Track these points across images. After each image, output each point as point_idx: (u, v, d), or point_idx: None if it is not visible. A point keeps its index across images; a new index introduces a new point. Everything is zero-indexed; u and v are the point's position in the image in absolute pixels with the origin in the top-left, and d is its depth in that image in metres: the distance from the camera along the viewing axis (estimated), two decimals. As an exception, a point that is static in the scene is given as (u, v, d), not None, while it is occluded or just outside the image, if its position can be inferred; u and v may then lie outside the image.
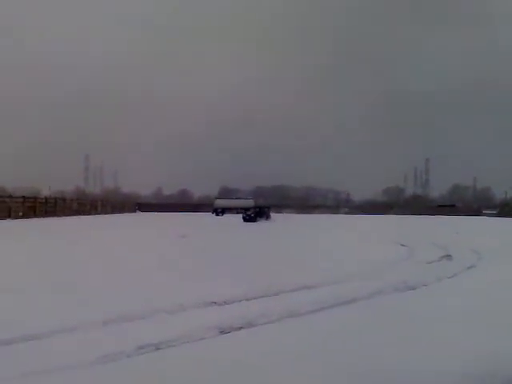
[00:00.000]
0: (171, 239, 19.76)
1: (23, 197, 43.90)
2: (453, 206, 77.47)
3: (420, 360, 4.73)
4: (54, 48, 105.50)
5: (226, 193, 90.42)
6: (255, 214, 43.87)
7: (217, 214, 62.25)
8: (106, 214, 60.18)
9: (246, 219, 41.49)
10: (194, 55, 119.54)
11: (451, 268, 11.58)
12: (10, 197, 42.46)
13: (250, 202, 65.27)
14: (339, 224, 39.59)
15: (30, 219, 38.95)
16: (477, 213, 68.13)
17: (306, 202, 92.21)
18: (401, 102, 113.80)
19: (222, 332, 5.73)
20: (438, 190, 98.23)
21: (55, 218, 42.81)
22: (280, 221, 43.37)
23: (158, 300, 7.29)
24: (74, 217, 47.80)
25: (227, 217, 58.63)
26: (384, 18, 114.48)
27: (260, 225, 36.47)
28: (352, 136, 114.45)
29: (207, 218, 51.57)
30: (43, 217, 43.05)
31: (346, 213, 74.13)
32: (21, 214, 40.04)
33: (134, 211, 71.74)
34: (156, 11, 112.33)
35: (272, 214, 49.09)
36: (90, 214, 55.76)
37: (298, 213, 72.06)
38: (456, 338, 5.56)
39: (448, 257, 14.01)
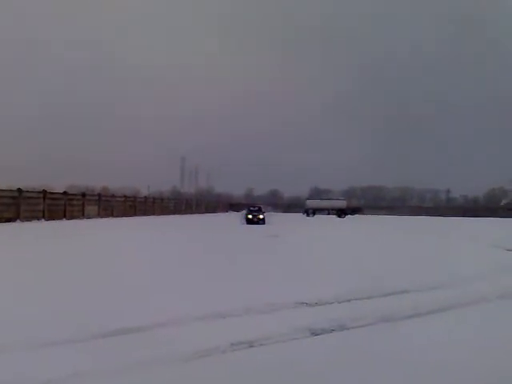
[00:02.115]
0: (262, 238, 19.95)
1: (125, 196, 46.55)
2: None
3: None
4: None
5: (316, 193, 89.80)
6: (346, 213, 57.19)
7: (308, 215, 61.96)
8: (200, 213, 62.12)
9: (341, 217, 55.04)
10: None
11: None
12: (113, 196, 45.15)
13: (342, 203, 64.18)
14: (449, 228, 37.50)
15: (131, 217, 41.23)
16: None
17: (401, 203, 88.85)
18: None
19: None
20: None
21: (157, 217, 44.90)
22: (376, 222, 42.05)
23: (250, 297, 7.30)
24: (171, 215, 49.82)
25: (318, 217, 58.20)
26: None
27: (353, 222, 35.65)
28: (453, 134, 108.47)
29: (297, 218, 51.39)
30: (142, 215, 45.35)
31: (444, 215, 69.70)
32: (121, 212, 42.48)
33: (227, 211, 73.38)
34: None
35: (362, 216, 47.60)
36: (185, 213, 57.79)
37: (391, 214, 69.43)
38: None
39: None
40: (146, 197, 53.80)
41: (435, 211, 73.47)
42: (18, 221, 28.04)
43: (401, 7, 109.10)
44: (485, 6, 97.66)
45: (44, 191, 32.08)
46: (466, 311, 7.07)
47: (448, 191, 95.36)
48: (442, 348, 5.18)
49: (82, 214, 35.83)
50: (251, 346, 5.01)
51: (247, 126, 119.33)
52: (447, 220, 51.87)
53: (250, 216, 34.17)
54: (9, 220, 27.34)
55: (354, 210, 65.05)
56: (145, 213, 46.90)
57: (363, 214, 66.51)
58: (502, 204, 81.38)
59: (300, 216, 58.33)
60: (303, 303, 7.10)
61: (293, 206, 79.16)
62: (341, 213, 60.83)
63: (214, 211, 69.20)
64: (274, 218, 38.43)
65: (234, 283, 8.88)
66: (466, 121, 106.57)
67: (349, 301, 7.39)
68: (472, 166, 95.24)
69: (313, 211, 63.21)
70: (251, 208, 36.62)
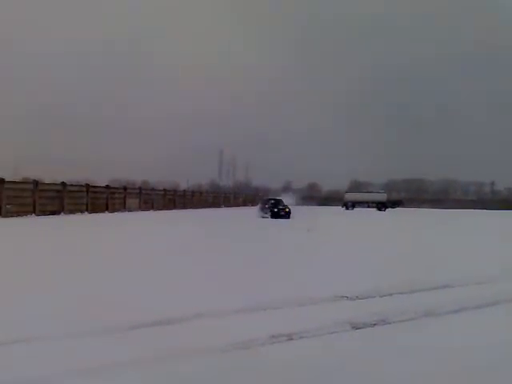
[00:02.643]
0: (297, 233, 19.67)
1: (164, 190, 47.27)
2: None
3: None
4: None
5: (356, 186, 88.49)
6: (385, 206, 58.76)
7: (347, 208, 61.17)
8: (237, 206, 62.45)
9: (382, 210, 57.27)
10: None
11: None
12: (153, 189, 45.95)
13: (382, 196, 63.02)
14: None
15: (171, 210, 41.87)
16: None
17: (445, 196, 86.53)
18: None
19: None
20: None
21: (197, 210, 45.42)
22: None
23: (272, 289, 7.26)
24: (210, 208, 50.28)
25: (357, 210, 57.43)
26: None
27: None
28: (497, 124, 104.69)
29: (335, 211, 50.78)
30: (181, 208, 45.97)
31: (489, 208, 67.13)
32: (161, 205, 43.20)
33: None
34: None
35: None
36: (223, 206, 58.26)
37: (435, 207, 67.69)
38: None
39: None
40: (184, 190, 54.46)
41: (479, 204, 71.10)
42: (62, 213, 28.91)
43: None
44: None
45: (87, 185, 32.93)
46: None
47: (492, 183, 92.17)
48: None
49: (123, 207, 36.63)
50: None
51: (283, 120, 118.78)
52: (494, 213, 50.08)
53: (275, 209, 31.51)
54: (53, 213, 28.20)
55: (394, 203, 63.73)
56: (184, 206, 47.49)
57: (404, 207, 65.09)
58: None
59: (338, 209, 57.68)
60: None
61: (331, 198, 78.31)
62: (381, 206, 59.77)
63: (252, 204, 69.46)
64: (300, 212, 35.52)
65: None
66: (505, 110, 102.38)
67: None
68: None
69: (352, 204, 62.29)
70: (271, 200, 34.32)
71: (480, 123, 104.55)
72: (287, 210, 31.40)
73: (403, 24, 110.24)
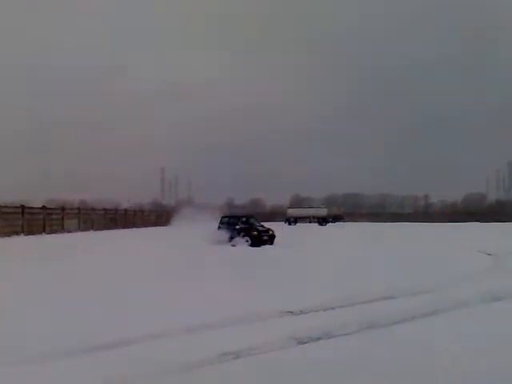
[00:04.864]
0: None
1: (104, 209, 46.16)
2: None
3: None
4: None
5: (297, 201, 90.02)
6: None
7: (289, 224, 62.02)
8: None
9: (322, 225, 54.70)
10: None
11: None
12: (93, 209, 44.74)
13: (323, 211, 64.48)
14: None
15: (112, 230, 40.84)
16: None
17: (381, 210, 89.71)
18: (481, 101, 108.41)
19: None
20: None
21: (139, 229, 44.50)
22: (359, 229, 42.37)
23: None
24: (153, 227, 49.46)
25: (299, 225, 58.33)
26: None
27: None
28: (429, 139, 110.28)
29: (276, 227, 51.27)
30: (123, 228, 44.92)
31: (424, 221, 70.34)
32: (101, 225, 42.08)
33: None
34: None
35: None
36: (167, 224, 57.36)
37: (371, 221, 70.03)
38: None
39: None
40: (126, 209, 53.39)
41: (415, 217, 74.44)
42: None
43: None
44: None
45: (22, 206, 31.63)
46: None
47: (426, 197, 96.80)
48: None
49: (61, 228, 35.36)
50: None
51: (225, 137, 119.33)
52: (432, 226, 52.47)
53: (254, 233, 21.60)
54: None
55: (335, 218, 65.31)
56: (125, 225, 46.50)
57: (345, 221, 66.83)
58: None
59: (281, 225, 58.28)
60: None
61: (276, 214, 79.11)
62: (322, 221, 61.16)
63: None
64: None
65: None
66: (442, 128, 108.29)
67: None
68: (450, 171, 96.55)
69: (294, 220, 63.31)
70: (240, 218, 23.55)
71: (412, 139, 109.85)
72: (270, 232, 22.08)
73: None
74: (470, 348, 5.43)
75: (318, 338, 5.79)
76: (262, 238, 21.36)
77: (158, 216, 58.94)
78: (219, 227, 23.03)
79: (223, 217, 24.31)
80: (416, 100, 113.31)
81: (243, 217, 24.37)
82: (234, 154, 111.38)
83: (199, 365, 4.79)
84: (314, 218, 63.36)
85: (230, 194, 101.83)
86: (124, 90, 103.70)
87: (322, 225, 59.26)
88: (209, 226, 22.58)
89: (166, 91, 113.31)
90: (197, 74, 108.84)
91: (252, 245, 20.79)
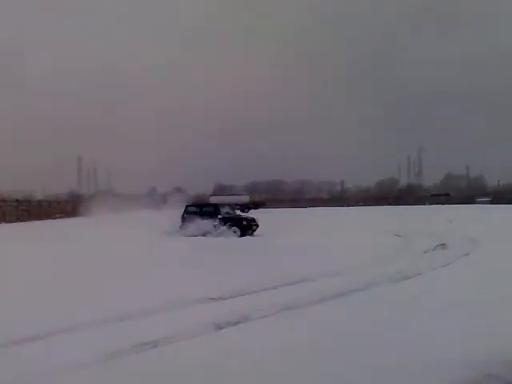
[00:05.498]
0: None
1: (17, 200, 43.66)
2: (447, 195, 77.75)
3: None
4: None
5: (220, 190, 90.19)
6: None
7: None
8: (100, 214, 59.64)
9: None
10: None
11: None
12: (4, 201, 42.17)
13: (244, 198, 65.30)
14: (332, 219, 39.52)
15: (28, 222, 38.74)
16: (470, 201, 68.33)
17: (301, 196, 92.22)
18: (394, 92, 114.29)
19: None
20: (431, 179, 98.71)
21: (56, 221, 42.52)
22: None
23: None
24: (73, 219, 47.50)
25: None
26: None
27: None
28: (345, 127, 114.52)
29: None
30: (37, 220, 42.74)
31: (339, 205, 73.55)
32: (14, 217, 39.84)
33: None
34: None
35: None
36: (85, 215, 55.27)
37: (293, 207, 71.94)
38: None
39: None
40: (40, 200, 50.83)
41: (332, 202, 77.69)
42: None
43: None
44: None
45: None
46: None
47: (342, 182, 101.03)
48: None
49: (-32, 221, 33.14)
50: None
51: (145, 125, 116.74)
52: (349, 210, 54.80)
53: (244, 223, 20.23)
54: None
55: (256, 205, 66.31)
56: (39, 217, 44.28)
57: (266, 207, 68.06)
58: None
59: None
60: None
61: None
62: (244, 207, 61.86)
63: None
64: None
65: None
66: (356, 118, 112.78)
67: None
68: (364, 158, 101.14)
69: (217, 207, 63.49)
70: (217, 207, 21.53)
71: (329, 128, 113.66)
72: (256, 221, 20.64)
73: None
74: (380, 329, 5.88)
75: (236, 323, 5.97)
76: (251, 227, 20.18)
77: (74, 206, 56.66)
78: (184, 217, 21.16)
79: (188, 206, 22.25)
80: (332, 93, 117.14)
81: (214, 205, 22.98)
82: (155, 142, 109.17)
83: (115, 356, 4.77)
84: (235, 205, 63.93)
85: (152, 182, 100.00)
86: (36, 73, 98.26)
87: (243, 211, 59.93)
88: (140, 215, 21.97)
89: (84, 76, 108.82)
90: (117, 61, 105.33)
91: (241, 235, 19.43)
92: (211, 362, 4.66)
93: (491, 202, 63.88)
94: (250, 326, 5.87)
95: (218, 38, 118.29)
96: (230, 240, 18.21)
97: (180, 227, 20.63)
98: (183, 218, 21.13)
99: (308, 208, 66.48)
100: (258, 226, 20.39)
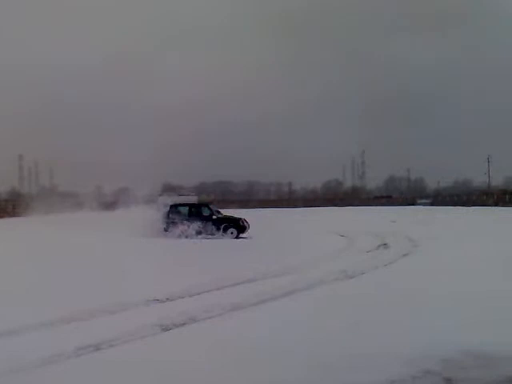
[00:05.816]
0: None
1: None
2: (389, 196, 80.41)
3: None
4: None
5: (169, 190, 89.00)
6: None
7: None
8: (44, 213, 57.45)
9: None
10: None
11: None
12: None
13: (192, 199, 64.75)
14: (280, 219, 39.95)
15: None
16: (411, 202, 70.88)
17: (249, 197, 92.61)
18: (339, 94, 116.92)
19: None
20: (374, 181, 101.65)
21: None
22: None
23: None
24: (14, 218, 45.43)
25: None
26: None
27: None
28: (293, 129, 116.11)
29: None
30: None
31: (287, 206, 74.41)
32: None
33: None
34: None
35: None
36: (25, 215, 53.09)
37: (241, 208, 72.07)
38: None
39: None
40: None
41: (280, 203, 78.53)
42: None
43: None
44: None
45: None
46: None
47: (290, 184, 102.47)
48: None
49: None
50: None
51: (91, 124, 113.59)
52: (295, 211, 55.45)
53: (241, 223, 19.38)
54: None
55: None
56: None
57: (214, 208, 67.81)
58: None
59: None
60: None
61: (148, 203, 77.28)
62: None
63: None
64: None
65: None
66: (300, 122, 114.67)
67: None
68: (311, 160, 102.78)
69: (165, 207, 62.57)
70: (201, 206, 21.14)
71: (276, 132, 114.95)
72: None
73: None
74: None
75: (183, 324, 5.93)
76: (246, 229, 19.38)
77: (15, 206, 54.32)
78: (170, 218, 19.76)
79: (174, 205, 20.72)
80: (277, 95, 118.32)
81: (204, 205, 21.62)
82: (102, 140, 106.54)
83: (54, 360, 4.62)
84: (184, 205, 63.31)
85: (97, 182, 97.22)
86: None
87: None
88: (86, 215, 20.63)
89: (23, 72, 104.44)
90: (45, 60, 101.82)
91: (237, 237, 18.89)
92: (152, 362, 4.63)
93: (431, 204, 66.48)
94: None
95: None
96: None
97: (165, 229, 19.39)
98: (168, 219, 19.73)
99: (256, 209, 66.78)
100: (249, 226, 19.64)
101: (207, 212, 20.10)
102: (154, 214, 19.96)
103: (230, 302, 6.91)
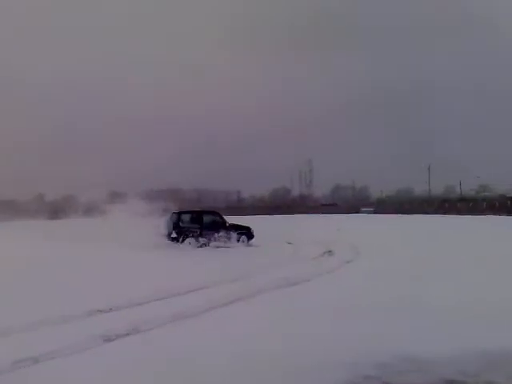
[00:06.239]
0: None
1: None
2: (335, 204, 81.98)
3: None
4: None
5: (115, 197, 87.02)
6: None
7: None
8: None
9: None
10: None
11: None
12: None
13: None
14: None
15: None
16: (356, 210, 72.53)
17: (199, 205, 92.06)
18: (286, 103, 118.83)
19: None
20: (321, 189, 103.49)
21: None
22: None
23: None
24: None
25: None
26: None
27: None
28: (242, 137, 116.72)
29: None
30: None
31: (237, 214, 74.27)
32: None
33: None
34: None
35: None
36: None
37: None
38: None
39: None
40: None
41: (228, 211, 78.34)
42: None
43: None
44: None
45: None
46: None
47: (238, 192, 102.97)
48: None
49: None
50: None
51: (34, 128, 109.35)
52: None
53: (251, 231, 19.09)
54: None
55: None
56: None
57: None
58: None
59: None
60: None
61: (90, 210, 75.26)
62: (142, 215, 60.38)
63: None
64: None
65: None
66: (249, 131, 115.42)
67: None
68: (258, 169, 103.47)
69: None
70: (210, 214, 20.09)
71: (225, 141, 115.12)
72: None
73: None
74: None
75: (127, 334, 5.89)
76: (253, 237, 18.98)
77: None
78: (180, 227, 18.35)
79: (183, 213, 19.33)
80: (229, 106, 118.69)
81: (215, 213, 20.39)
82: (45, 145, 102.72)
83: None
84: (133, 212, 62.19)
85: (39, 189, 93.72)
86: None
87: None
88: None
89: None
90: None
91: (249, 239, 18.80)
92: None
93: (374, 212, 68.33)
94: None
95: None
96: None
97: (174, 239, 18.17)
98: (178, 227, 18.29)
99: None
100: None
101: (219, 220, 19.21)
102: (158, 224, 18.91)
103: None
